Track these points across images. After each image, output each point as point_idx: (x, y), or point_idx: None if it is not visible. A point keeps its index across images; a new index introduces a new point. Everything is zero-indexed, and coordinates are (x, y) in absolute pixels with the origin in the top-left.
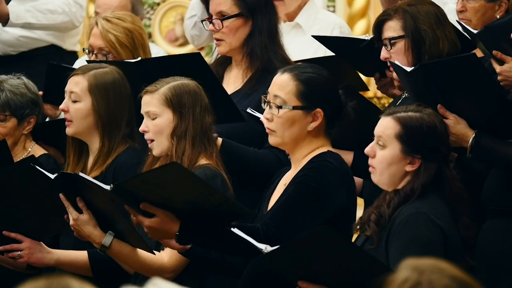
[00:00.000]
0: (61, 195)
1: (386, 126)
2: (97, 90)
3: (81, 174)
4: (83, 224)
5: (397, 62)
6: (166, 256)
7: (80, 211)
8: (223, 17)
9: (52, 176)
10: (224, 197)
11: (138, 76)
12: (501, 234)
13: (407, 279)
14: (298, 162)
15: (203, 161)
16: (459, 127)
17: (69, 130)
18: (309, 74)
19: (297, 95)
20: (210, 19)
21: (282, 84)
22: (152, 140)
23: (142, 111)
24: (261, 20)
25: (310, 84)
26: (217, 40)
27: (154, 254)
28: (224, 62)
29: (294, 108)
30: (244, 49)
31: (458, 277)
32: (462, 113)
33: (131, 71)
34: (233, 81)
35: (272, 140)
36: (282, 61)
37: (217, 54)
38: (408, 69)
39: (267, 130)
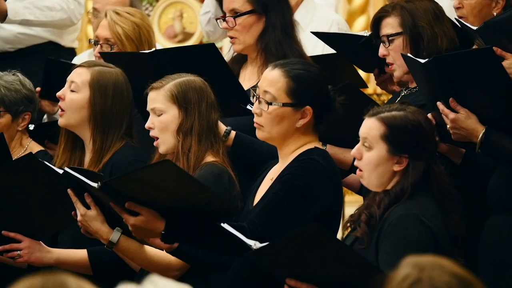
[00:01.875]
0: (69, 191)
1: (370, 127)
2: (97, 86)
3: (66, 169)
4: (90, 220)
5: (409, 54)
6: None
7: (87, 207)
8: (236, 14)
9: (60, 171)
10: (214, 196)
11: (151, 68)
12: (505, 230)
13: (408, 276)
14: (286, 157)
15: (209, 158)
16: (469, 122)
17: (61, 121)
18: (300, 71)
19: (288, 92)
20: (223, 17)
21: (272, 80)
22: (157, 138)
23: (148, 107)
24: (275, 16)
25: (301, 81)
26: (231, 38)
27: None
28: (241, 60)
29: (284, 105)
30: (258, 46)
31: (459, 274)
32: (473, 108)
33: (144, 62)
34: (248, 78)
35: (259, 134)
36: (298, 57)
37: (233, 52)
38: (422, 60)
39: (255, 125)
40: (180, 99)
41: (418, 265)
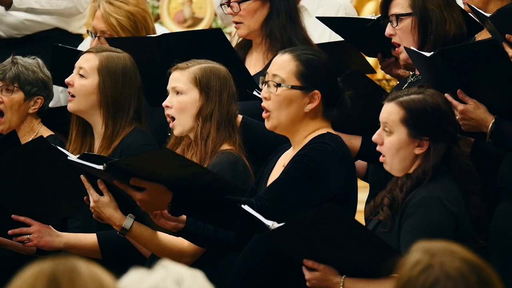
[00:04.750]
0: (82, 177)
1: (390, 112)
2: (106, 71)
3: (70, 157)
4: (103, 206)
5: (413, 48)
6: (186, 241)
7: (100, 193)
8: (240, 0)
9: (73, 157)
10: (217, 176)
11: (159, 52)
12: None
13: (419, 262)
14: (298, 144)
15: (226, 146)
16: (478, 112)
17: (70, 106)
18: (310, 55)
19: (297, 75)
20: (228, 2)
21: (282, 64)
22: (173, 119)
23: (169, 86)
24: (279, 1)
25: (310, 65)
26: (236, 23)
27: (177, 236)
28: (246, 45)
29: (293, 87)
30: (263, 31)
31: (470, 259)
32: (482, 98)
33: (152, 47)
34: (254, 64)
35: (268, 124)
36: (303, 42)
37: (238, 38)
38: (428, 54)
39: (263, 115)
40: (202, 83)
41: (429, 251)
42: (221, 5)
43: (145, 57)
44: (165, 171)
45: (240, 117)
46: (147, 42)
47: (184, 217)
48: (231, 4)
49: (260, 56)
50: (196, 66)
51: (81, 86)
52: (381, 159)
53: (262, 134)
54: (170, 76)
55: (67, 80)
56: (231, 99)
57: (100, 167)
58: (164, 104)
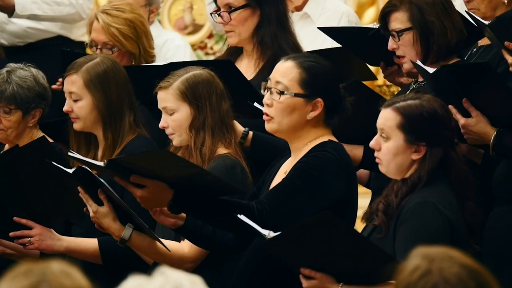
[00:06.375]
0: (79, 189)
1: (386, 118)
2: (92, 84)
3: (70, 153)
4: (102, 217)
5: (418, 62)
6: (187, 246)
7: (99, 203)
8: (230, 9)
9: (70, 171)
10: (217, 178)
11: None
12: (509, 221)
13: (418, 267)
14: (299, 151)
15: (222, 150)
16: (479, 127)
17: (77, 126)
18: (313, 63)
19: (300, 83)
20: (218, 11)
21: (285, 71)
22: (172, 134)
23: (159, 106)
24: (269, 9)
25: (313, 73)
26: (227, 32)
27: (166, 247)
28: (235, 52)
29: (296, 95)
30: (254, 39)
31: (469, 265)
32: (487, 109)
33: (159, 74)
34: (244, 71)
35: (269, 126)
36: (293, 49)
37: (227, 45)
38: (431, 70)
39: (264, 117)
40: (189, 96)
41: (428, 256)
42: (211, 13)
43: (153, 80)
44: (165, 171)
45: (251, 134)
46: (154, 70)
47: (183, 214)
48: (221, 13)
49: (251, 63)
50: (178, 80)
51: (80, 108)
52: (376, 160)
53: (275, 150)
54: (157, 96)
55: (65, 109)
56: (220, 99)
57: (101, 163)
58: (160, 125)
